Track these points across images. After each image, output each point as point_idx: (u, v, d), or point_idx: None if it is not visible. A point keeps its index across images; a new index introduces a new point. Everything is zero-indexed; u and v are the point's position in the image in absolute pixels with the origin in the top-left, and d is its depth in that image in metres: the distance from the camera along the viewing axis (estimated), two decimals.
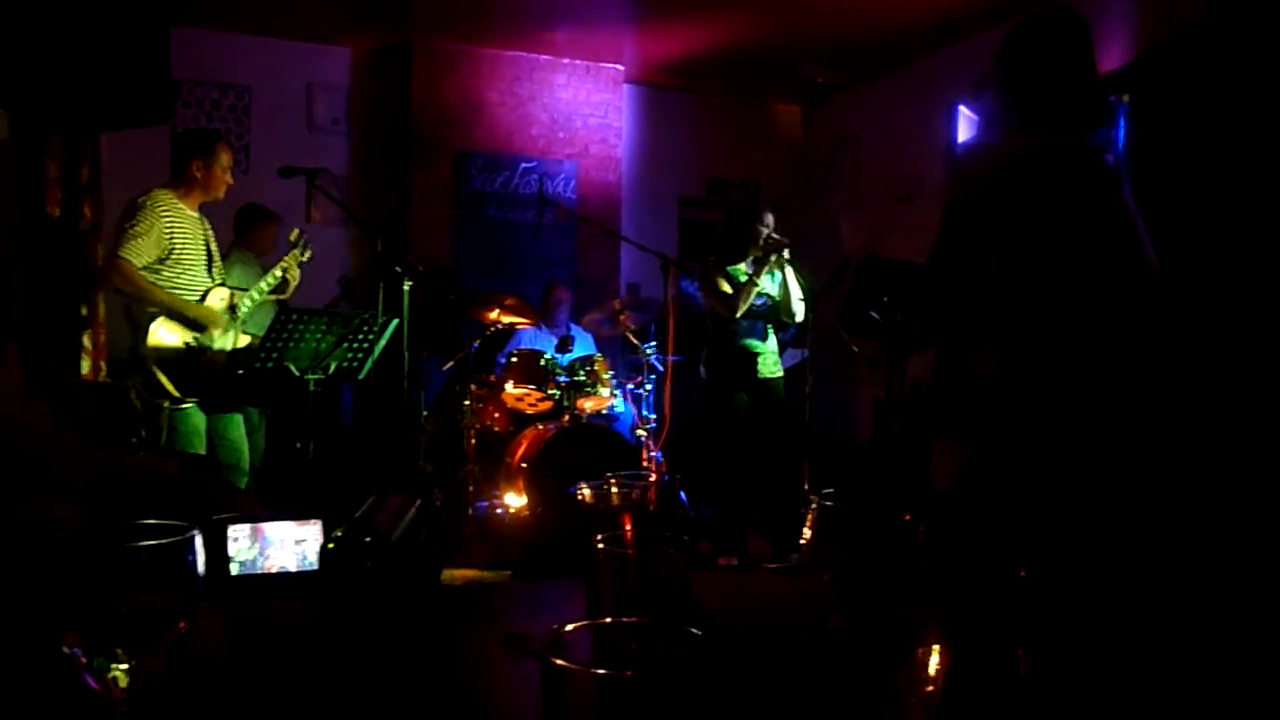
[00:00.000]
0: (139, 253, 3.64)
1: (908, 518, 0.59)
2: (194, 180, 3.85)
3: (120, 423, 3.38)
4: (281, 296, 4.20)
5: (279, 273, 4.13)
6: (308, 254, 4.26)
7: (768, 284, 4.71)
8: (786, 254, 4.64)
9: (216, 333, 3.89)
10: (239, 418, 4.14)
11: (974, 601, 0.69)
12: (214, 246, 4.02)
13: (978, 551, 0.80)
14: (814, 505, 0.63)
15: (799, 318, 4.71)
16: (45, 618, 0.65)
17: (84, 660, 0.65)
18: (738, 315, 4.63)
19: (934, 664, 0.59)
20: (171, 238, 3.74)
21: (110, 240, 3.68)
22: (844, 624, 0.60)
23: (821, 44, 6.56)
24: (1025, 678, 0.78)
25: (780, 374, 4.79)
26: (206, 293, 3.90)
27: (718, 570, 3.98)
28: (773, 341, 4.77)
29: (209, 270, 3.95)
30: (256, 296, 4.07)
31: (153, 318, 3.72)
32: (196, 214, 3.93)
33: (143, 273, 3.66)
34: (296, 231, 4.29)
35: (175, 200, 3.80)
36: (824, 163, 7.95)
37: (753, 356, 4.69)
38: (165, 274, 3.74)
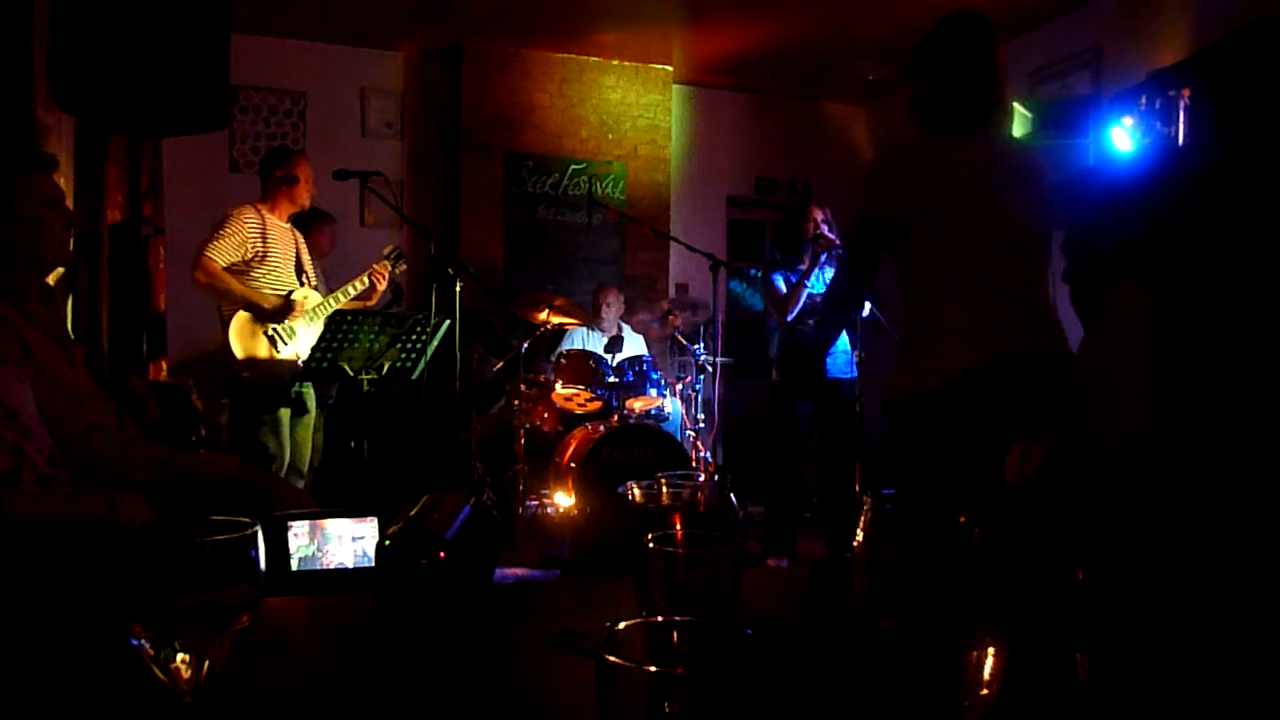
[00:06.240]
0: (221, 253, 3.96)
1: (963, 520, 0.59)
2: (278, 193, 4.15)
3: (181, 421, 3.47)
4: (368, 303, 4.38)
5: (364, 281, 4.33)
6: (401, 267, 4.47)
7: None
8: (840, 252, 4.59)
9: (297, 323, 4.11)
10: (309, 418, 4.25)
11: (1030, 603, 0.68)
12: (305, 255, 4.32)
13: (1035, 552, 0.79)
14: (867, 506, 0.63)
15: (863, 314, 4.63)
16: (115, 609, 0.67)
17: (151, 651, 0.67)
18: (789, 317, 4.59)
19: (988, 666, 0.58)
20: (257, 243, 4.04)
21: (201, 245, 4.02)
22: (895, 625, 0.60)
23: (872, 41, 6.49)
24: (1082, 682, 0.77)
25: (852, 375, 4.70)
26: (289, 294, 4.08)
27: (768, 570, 3.96)
28: (844, 340, 4.70)
29: (298, 275, 4.23)
30: (342, 298, 4.27)
31: (234, 314, 3.99)
32: (286, 224, 4.23)
33: (226, 272, 3.96)
34: (391, 246, 4.53)
35: (264, 212, 4.12)
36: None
37: (821, 356, 4.63)
38: (253, 275, 4.04)
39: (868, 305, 4.56)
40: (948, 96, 2.42)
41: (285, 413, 4.10)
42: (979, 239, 2.34)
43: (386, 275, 4.37)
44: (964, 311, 2.33)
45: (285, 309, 4.04)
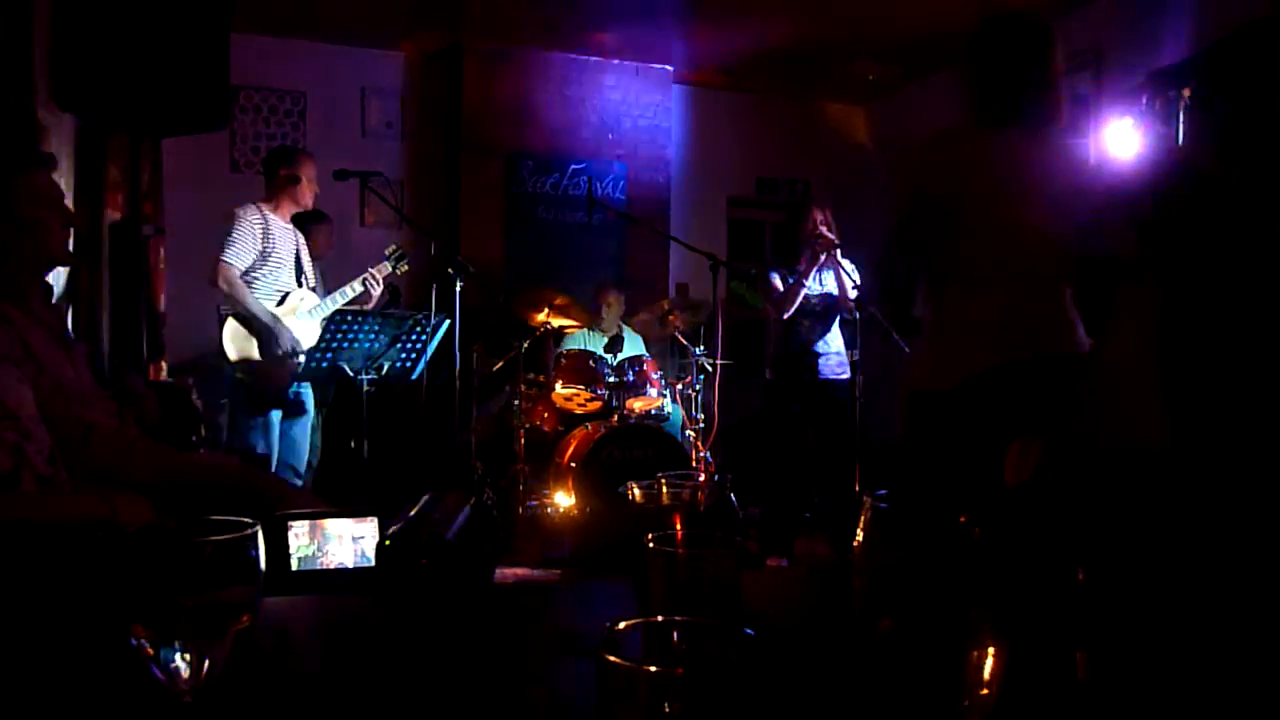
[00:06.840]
0: (238, 256, 3.96)
1: (963, 519, 0.59)
2: (282, 192, 4.14)
3: (181, 421, 3.47)
4: (365, 306, 4.32)
5: (360, 284, 4.30)
6: (404, 268, 4.43)
7: (828, 283, 4.66)
8: (838, 253, 4.59)
9: (295, 324, 4.09)
10: (306, 418, 4.25)
11: (1030, 603, 0.68)
12: (305, 256, 4.31)
13: (1035, 552, 0.79)
14: (866, 506, 0.63)
15: (857, 315, 4.64)
16: (115, 610, 0.67)
17: (151, 651, 0.67)
18: (785, 316, 4.59)
19: (988, 666, 0.58)
20: (263, 243, 4.03)
21: (215, 249, 4.00)
22: (896, 625, 0.60)
23: (872, 41, 6.50)
24: (1082, 682, 0.77)
25: (844, 375, 4.70)
26: (286, 295, 4.05)
27: (768, 570, 3.96)
28: (838, 342, 4.71)
29: (298, 276, 4.22)
30: (340, 300, 4.23)
31: (226, 318, 3.99)
32: (288, 224, 4.21)
33: (242, 281, 3.96)
34: (393, 246, 4.49)
35: (268, 211, 4.11)
36: (880, 160, 7.88)
37: (814, 357, 4.64)
38: (254, 274, 4.03)
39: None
40: (1005, 93, 2.45)
41: (276, 414, 4.09)
42: (1006, 230, 2.37)
43: (381, 280, 4.34)
44: (984, 302, 2.36)
45: (285, 355, 4.02)
